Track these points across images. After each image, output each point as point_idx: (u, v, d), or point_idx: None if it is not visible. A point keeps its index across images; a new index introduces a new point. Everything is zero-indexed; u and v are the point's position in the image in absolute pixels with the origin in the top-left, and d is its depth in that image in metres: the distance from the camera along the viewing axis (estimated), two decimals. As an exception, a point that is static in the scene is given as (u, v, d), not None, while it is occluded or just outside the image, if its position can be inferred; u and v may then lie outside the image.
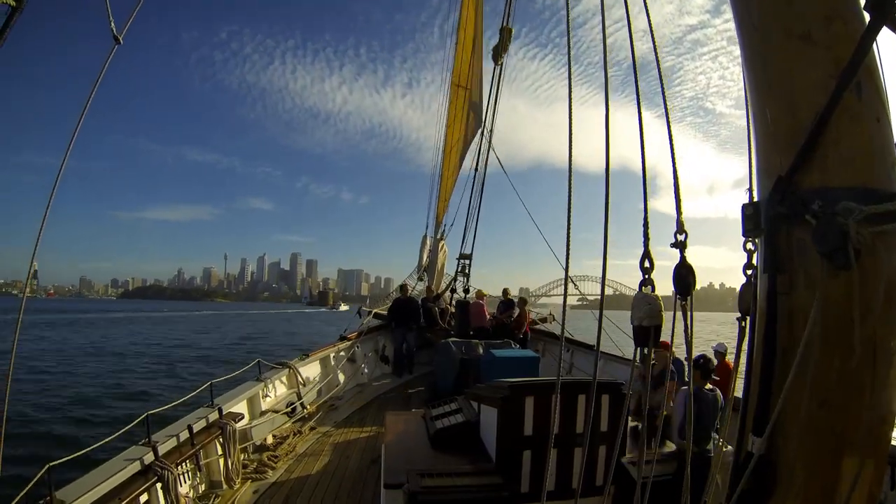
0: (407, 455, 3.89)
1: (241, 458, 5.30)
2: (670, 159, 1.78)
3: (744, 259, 1.69)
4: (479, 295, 11.68)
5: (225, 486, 4.88)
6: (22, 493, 2.94)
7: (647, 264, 1.68)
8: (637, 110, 1.87)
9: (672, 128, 1.82)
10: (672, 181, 1.74)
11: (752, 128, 1.52)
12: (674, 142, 1.81)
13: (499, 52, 8.59)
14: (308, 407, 7.37)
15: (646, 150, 1.86)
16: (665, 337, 1.77)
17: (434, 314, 11.02)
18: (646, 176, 1.88)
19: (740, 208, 1.51)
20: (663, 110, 1.93)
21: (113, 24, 2.14)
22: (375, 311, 11.57)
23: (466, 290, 12.20)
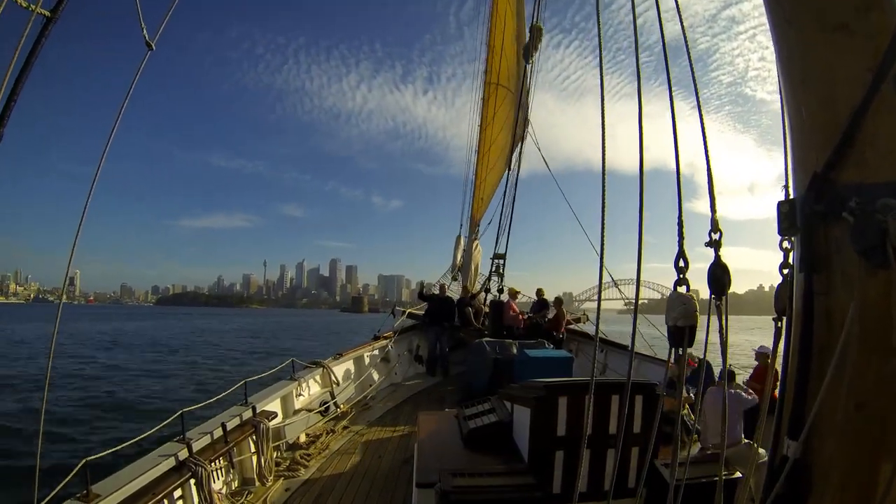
0: (439, 454, 3.91)
1: (274, 455, 5.39)
2: (704, 156, 1.76)
3: None
4: (512, 293, 11.62)
5: (257, 484, 4.98)
6: (59, 487, 3.03)
7: (681, 264, 1.67)
8: (669, 100, 1.84)
9: (709, 119, 1.79)
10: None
11: (787, 123, 1.49)
12: (707, 138, 1.79)
13: (529, 52, 8.56)
14: (341, 406, 7.47)
15: (680, 144, 1.83)
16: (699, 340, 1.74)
17: (468, 314, 11.03)
18: (679, 172, 1.85)
19: (776, 206, 1.48)
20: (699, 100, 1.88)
21: (145, 31, 2.17)
22: (409, 311, 11.66)
23: (500, 290, 12.10)
